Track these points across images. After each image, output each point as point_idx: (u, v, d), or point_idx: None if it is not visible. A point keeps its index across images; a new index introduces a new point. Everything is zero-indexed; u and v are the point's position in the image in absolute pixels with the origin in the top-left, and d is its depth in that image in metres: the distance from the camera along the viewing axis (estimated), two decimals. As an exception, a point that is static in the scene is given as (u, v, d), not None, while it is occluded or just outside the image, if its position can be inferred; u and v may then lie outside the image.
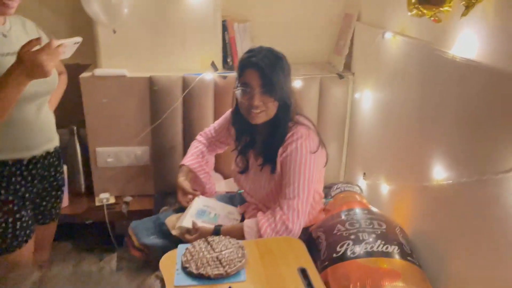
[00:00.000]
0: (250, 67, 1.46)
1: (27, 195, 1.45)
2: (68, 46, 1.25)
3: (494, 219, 1.12)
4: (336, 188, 1.86)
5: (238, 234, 1.47)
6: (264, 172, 1.58)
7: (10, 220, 1.39)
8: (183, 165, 1.75)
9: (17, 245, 1.42)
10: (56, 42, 1.19)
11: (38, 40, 1.18)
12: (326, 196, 1.88)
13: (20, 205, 1.43)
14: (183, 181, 1.69)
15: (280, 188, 1.54)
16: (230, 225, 1.57)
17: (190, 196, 1.67)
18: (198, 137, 1.86)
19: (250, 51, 1.51)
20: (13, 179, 1.40)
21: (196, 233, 1.51)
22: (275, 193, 1.57)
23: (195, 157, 1.78)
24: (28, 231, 1.45)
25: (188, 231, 1.54)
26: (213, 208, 1.67)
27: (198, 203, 1.67)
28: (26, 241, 1.45)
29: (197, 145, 1.82)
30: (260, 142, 1.61)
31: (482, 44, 1.20)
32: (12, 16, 1.36)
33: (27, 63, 1.16)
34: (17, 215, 1.41)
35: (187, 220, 1.57)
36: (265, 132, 1.58)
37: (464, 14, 1.18)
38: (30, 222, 1.46)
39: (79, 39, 1.28)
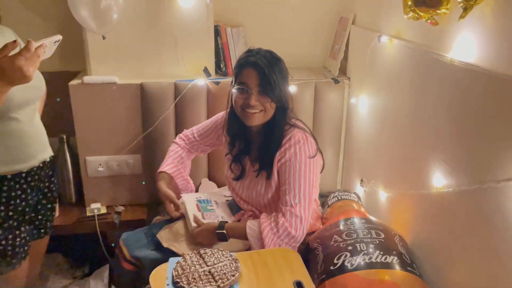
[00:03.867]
0: (249, 66, 1.44)
1: (27, 209, 1.40)
2: (49, 45, 1.17)
3: (495, 228, 1.09)
4: (333, 197, 1.82)
5: (240, 232, 1.46)
6: (260, 178, 1.55)
7: (10, 236, 1.34)
8: (162, 172, 1.68)
9: (16, 262, 1.37)
10: (34, 44, 1.11)
11: (14, 43, 1.10)
12: (323, 205, 1.84)
13: (20, 220, 1.37)
14: (167, 190, 1.63)
15: (278, 194, 1.50)
16: (234, 223, 1.57)
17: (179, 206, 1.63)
18: (178, 140, 1.79)
19: (249, 51, 1.49)
20: (13, 193, 1.34)
21: (199, 227, 1.53)
22: (271, 199, 1.54)
23: (175, 163, 1.72)
24: (26, 247, 1.40)
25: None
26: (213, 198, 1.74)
27: (190, 200, 1.69)
28: (25, 258, 1.40)
29: (176, 150, 1.76)
30: (256, 147, 1.57)
31: (481, 47, 1.16)
32: None
33: (6, 69, 1.09)
34: (17, 231, 1.36)
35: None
36: (261, 137, 1.54)
37: (462, 17, 1.15)
38: (28, 237, 1.41)
39: (59, 37, 1.20)
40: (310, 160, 1.46)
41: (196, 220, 1.58)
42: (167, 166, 1.70)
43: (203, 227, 1.52)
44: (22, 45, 1.42)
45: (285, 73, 1.49)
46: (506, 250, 1.06)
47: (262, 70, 1.41)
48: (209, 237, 1.51)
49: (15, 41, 1.10)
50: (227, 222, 1.54)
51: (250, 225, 1.46)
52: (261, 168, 1.53)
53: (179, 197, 1.68)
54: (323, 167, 1.61)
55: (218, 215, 1.67)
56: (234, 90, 1.48)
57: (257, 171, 1.54)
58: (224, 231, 1.48)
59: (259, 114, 1.45)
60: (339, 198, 1.79)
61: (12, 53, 1.10)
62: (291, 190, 1.45)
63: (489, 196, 1.10)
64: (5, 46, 1.10)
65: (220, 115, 1.73)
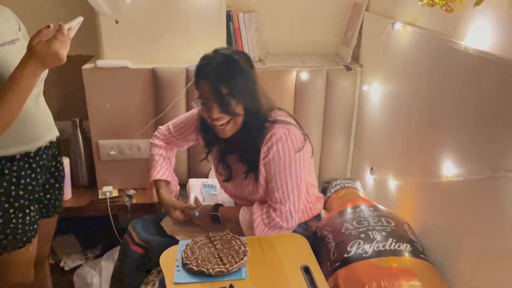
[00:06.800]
0: (201, 78, 1.37)
1: (37, 188, 1.43)
2: (75, 28, 1.24)
3: (507, 218, 1.08)
4: (336, 185, 1.81)
5: (234, 217, 1.49)
6: (249, 179, 1.50)
7: (20, 215, 1.37)
8: (157, 180, 1.61)
9: (26, 240, 1.40)
10: (66, 27, 1.17)
11: (48, 28, 1.15)
12: (325, 192, 1.82)
13: (30, 200, 1.40)
14: (172, 198, 1.59)
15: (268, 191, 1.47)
16: (229, 206, 1.58)
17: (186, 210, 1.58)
18: (156, 141, 1.70)
19: (203, 58, 1.39)
20: (22, 172, 1.37)
21: (197, 209, 1.55)
22: (264, 194, 1.50)
23: (166, 166, 1.66)
24: (35, 226, 1.43)
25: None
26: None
27: (195, 184, 1.73)
28: (34, 236, 1.43)
29: (160, 152, 1.69)
30: (237, 146, 1.51)
31: (496, 35, 1.14)
32: None
33: (42, 54, 1.14)
34: (27, 210, 1.39)
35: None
36: (238, 139, 1.47)
37: (477, 4, 1.13)
38: (37, 216, 1.44)
39: (81, 18, 1.27)
40: (295, 155, 1.41)
41: (196, 201, 1.60)
42: (159, 172, 1.63)
43: (199, 209, 1.54)
44: (22, 27, 1.45)
45: (245, 73, 1.36)
46: (515, 239, 1.06)
47: (212, 84, 1.33)
48: (204, 219, 1.53)
49: (49, 26, 1.16)
50: (222, 205, 1.55)
51: (243, 213, 1.47)
52: (248, 170, 1.49)
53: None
54: (312, 152, 1.54)
55: (220, 200, 1.67)
56: (196, 104, 1.41)
57: (245, 174, 1.50)
58: (218, 213, 1.50)
59: (227, 125, 1.39)
60: (342, 186, 1.78)
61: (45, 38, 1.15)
62: (278, 188, 1.42)
63: (500, 185, 1.09)
64: (40, 31, 1.15)
65: (196, 111, 1.61)
